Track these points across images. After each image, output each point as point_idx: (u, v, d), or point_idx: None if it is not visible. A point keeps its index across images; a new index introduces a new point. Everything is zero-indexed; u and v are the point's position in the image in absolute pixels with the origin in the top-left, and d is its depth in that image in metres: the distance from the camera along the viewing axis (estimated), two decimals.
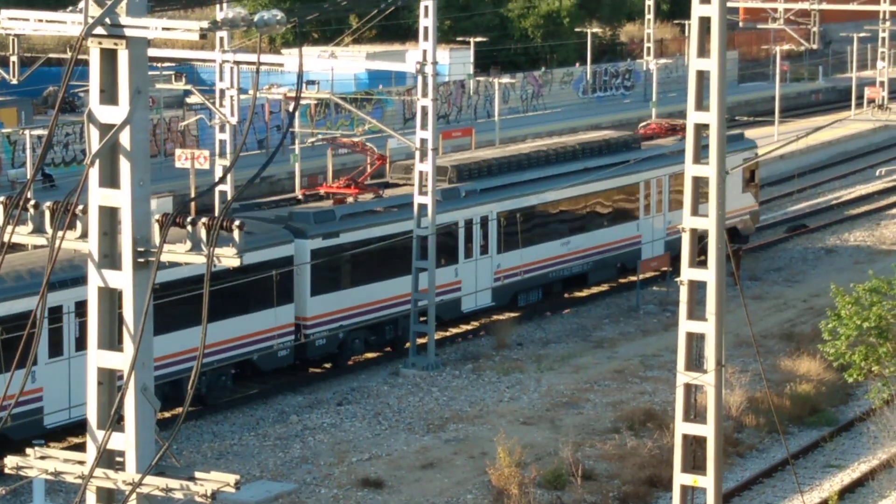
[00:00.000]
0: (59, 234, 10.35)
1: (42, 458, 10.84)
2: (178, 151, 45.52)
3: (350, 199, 36.87)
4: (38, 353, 24.97)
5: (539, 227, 41.09)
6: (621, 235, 43.27)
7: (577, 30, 76.84)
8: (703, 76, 17.74)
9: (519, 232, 39.92)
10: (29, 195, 10.34)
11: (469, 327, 39.42)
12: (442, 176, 38.19)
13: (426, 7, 34.43)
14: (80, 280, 24.55)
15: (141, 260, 10.48)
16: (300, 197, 38.78)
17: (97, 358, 10.64)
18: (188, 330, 28.47)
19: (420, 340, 36.70)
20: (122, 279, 10.46)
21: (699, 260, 18.29)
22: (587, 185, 41.69)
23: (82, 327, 26.68)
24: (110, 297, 10.68)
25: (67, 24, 10.29)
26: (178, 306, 27.05)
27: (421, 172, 35.30)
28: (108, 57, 10.29)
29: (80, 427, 26.73)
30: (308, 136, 50.73)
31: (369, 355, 36.45)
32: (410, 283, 36.01)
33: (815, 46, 76.63)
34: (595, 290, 43.16)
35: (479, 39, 69.10)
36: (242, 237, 10.14)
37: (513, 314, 40.27)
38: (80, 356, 27.29)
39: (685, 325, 18.11)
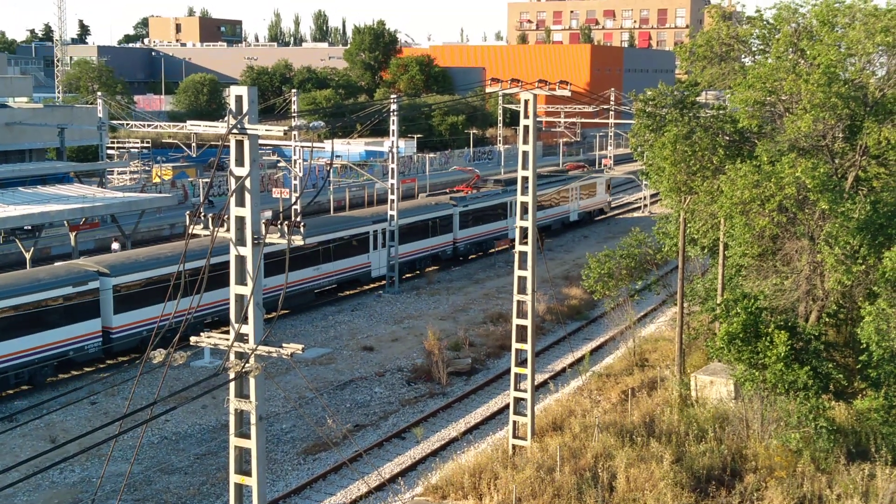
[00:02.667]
0: (216, 229, 15.07)
1: (208, 337, 15.59)
2: (273, 189, 68.18)
3: (469, 192, 63.95)
4: (371, 248, 52.06)
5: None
6: (560, 210, 71.01)
7: (466, 131, 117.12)
8: (525, 153, 28.04)
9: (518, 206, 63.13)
10: (201, 211, 15.22)
11: (415, 273, 57.18)
12: (499, 183, 66.70)
13: (393, 120, 53.20)
14: (380, 221, 52.99)
15: (256, 241, 15.02)
16: (447, 191, 67.71)
17: (234, 288, 15.22)
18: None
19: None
20: (247, 251, 15.02)
21: (523, 241, 28.86)
22: (553, 186, 69.98)
23: (384, 236, 52.81)
24: (241, 260, 15.11)
25: (219, 127, 15.24)
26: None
27: (391, 199, 53.14)
28: (239, 143, 14.95)
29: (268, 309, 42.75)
30: (334, 183, 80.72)
31: (366, 287, 53.38)
32: (492, 227, 62.69)
33: (578, 139, 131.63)
34: (476, 255, 62.83)
35: (418, 135, 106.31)
36: (304, 231, 14.81)
37: (436, 266, 59.50)
38: (381, 250, 52.66)
39: (517, 272, 28.92)
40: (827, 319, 29.61)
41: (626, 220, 77.50)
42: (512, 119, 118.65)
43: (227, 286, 15.48)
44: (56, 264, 40.80)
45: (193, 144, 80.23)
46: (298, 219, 15.06)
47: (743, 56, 34.51)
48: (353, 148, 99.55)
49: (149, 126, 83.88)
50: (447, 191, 68.02)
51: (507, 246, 62.20)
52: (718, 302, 29.51)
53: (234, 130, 14.61)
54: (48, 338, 35.81)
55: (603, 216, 79.30)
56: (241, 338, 15.25)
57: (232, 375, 15.34)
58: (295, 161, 66.66)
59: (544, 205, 67.05)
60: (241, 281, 15.18)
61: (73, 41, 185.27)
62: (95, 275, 37.63)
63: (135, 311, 38.90)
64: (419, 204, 60.25)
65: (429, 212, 57.30)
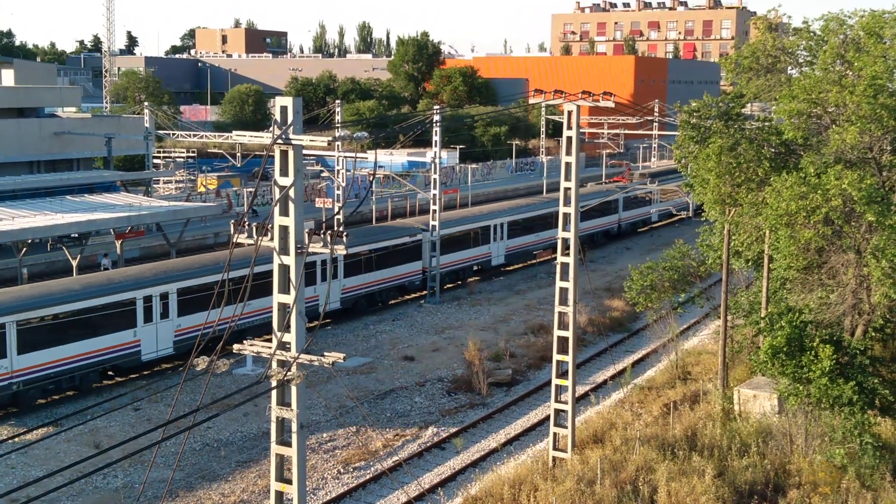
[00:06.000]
0: (260, 238, 15.07)
1: (251, 345, 15.63)
2: (317, 199, 66.62)
3: (626, 182, 76.97)
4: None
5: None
6: (684, 201, 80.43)
7: (508, 142, 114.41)
8: (568, 165, 27.92)
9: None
10: (245, 220, 15.19)
11: (456, 283, 57.32)
12: (643, 176, 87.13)
13: (436, 131, 52.53)
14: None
15: (299, 251, 14.99)
16: (605, 181, 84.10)
17: (277, 297, 15.15)
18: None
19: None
20: (290, 260, 15.02)
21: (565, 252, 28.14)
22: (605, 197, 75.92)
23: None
24: (284, 269, 15.11)
25: (264, 137, 15.16)
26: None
27: (433, 209, 53.37)
28: (283, 153, 15.01)
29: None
30: (377, 193, 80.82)
31: (408, 296, 53.89)
32: (642, 210, 77.48)
33: (621, 150, 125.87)
34: (519, 265, 63.29)
35: (461, 146, 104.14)
36: (348, 240, 14.71)
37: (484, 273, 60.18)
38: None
39: (559, 283, 28.61)
40: (873, 334, 29.21)
41: (668, 232, 77.02)
42: (555, 130, 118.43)
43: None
44: (392, 222, 59.16)
45: (238, 154, 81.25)
46: (341, 228, 15.09)
47: (789, 68, 34.23)
48: (395, 158, 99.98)
49: (194, 136, 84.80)
50: (605, 181, 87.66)
51: (550, 256, 63.74)
52: (763, 315, 29.23)
53: (279, 141, 14.68)
54: (399, 270, 51.57)
55: None
56: (283, 346, 15.29)
57: (274, 383, 15.38)
58: (338, 171, 67.20)
59: (668, 196, 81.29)
60: (284, 290, 15.20)
61: (122, 52, 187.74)
62: (419, 230, 53.08)
63: (441, 257, 53.61)
64: (593, 190, 74.80)
65: (600, 196, 70.68)
